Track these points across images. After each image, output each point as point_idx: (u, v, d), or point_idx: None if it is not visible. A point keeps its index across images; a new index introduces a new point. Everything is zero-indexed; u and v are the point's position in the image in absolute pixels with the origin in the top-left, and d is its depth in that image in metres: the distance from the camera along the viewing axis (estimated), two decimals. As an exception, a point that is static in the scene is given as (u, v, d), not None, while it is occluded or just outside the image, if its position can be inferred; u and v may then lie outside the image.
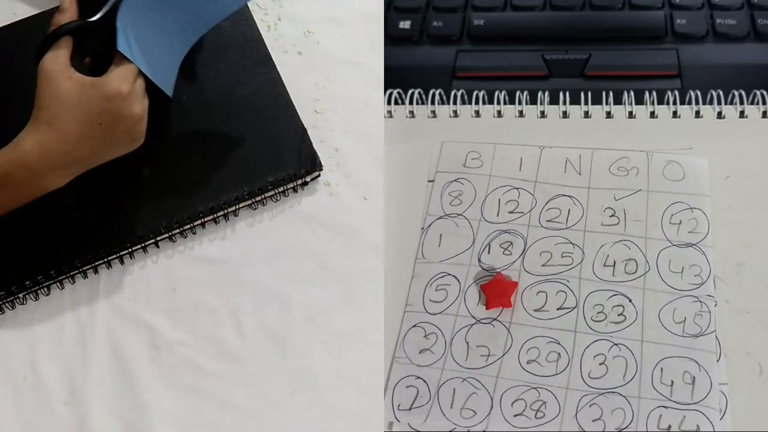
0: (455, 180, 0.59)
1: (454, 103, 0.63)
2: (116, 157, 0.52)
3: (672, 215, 0.54)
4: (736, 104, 0.58)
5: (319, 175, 0.61)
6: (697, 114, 0.59)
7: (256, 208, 0.60)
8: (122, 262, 0.58)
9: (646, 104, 0.60)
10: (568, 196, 0.57)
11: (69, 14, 0.51)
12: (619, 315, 0.51)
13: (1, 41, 0.63)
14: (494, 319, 0.52)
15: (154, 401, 0.54)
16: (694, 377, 0.47)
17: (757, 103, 0.59)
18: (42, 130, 0.48)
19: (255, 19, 0.64)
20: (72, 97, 0.48)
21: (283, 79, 0.62)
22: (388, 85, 0.64)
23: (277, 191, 0.59)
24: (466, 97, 0.63)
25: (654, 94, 0.59)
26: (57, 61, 0.49)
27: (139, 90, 0.51)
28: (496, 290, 0.53)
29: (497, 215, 0.57)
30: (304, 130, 0.61)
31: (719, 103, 0.59)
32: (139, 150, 0.60)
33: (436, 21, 0.71)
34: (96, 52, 0.52)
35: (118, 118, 0.50)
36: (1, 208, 0.51)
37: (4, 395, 0.54)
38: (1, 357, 0.55)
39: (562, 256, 0.54)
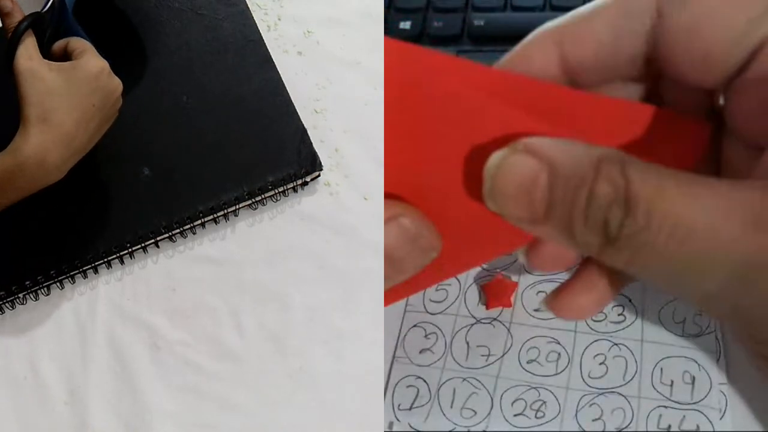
0: (455, 180, 0.59)
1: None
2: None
3: (672, 215, 0.54)
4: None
5: (319, 175, 0.61)
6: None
7: (256, 208, 0.60)
8: (122, 262, 0.58)
9: (646, 104, 0.60)
10: (568, 196, 0.57)
11: (17, 14, 0.50)
12: (619, 315, 0.51)
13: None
14: (494, 319, 0.52)
15: (154, 401, 0.54)
16: (694, 377, 0.47)
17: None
18: (38, 130, 0.47)
19: (255, 19, 0.64)
20: (60, 85, 0.48)
21: (283, 79, 0.62)
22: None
23: (277, 191, 0.59)
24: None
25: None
26: (31, 56, 0.48)
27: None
28: (496, 290, 0.53)
29: (497, 215, 0.57)
30: (304, 130, 0.61)
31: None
32: (139, 150, 0.60)
33: (436, 21, 0.71)
34: (47, 43, 0.52)
35: (107, 93, 0.50)
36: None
37: (4, 395, 0.54)
38: (1, 357, 0.55)
39: (562, 256, 0.54)
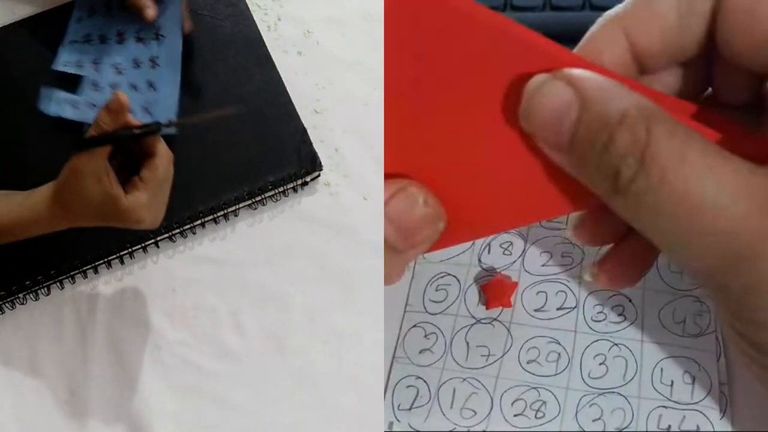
0: (455, 180, 0.59)
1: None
2: None
3: (672, 215, 0.54)
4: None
5: (319, 175, 0.61)
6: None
7: (256, 208, 0.60)
8: (122, 262, 0.58)
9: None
10: (568, 196, 0.57)
11: (117, 120, 0.47)
12: (619, 315, 0.51)
13: (0, 41, 0.63)
14: (494, 319, 0.52)
15: (154, 401, 0.54)
16: (694, 377, 0.47)
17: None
18: (57, 208, 0.48)
19: (255, 19, 0.64)
20: (95, 201, 0.47)
21: (283, 79, 0.62)
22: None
23: (277, 191, 0.59)
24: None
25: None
26: (91, 162, 0.46)
27: (162, 198, 0.49)
28: (496, 290, 0.53)
29: (497, 215, 0.57)
30: (304, 130, 0.61)
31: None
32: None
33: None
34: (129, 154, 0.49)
35: (128, 225, 0.49)
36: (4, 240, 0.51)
37: (4, 395, 0.54)
38: (1, 357, 0.55)
39: (562, 256, 0.54)
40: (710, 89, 0.33)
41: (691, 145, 0.25)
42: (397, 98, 0.29)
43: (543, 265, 0.54)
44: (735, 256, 0.25)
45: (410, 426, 0.49)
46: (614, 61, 0.31)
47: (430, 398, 0.50)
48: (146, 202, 0.48)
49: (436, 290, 0.54)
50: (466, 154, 0.30)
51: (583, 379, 0.49)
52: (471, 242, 0.56)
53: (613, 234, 0.33)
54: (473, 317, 0.53)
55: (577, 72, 0.27)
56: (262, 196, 0.59)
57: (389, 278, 0.32)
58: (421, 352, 0.52)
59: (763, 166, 0.25)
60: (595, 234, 0.33)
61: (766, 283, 0.25)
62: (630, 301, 0.51)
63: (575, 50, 0.31)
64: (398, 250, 0.31)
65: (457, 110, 0.29)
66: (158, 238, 0.58)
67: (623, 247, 0.33)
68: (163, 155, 0.49)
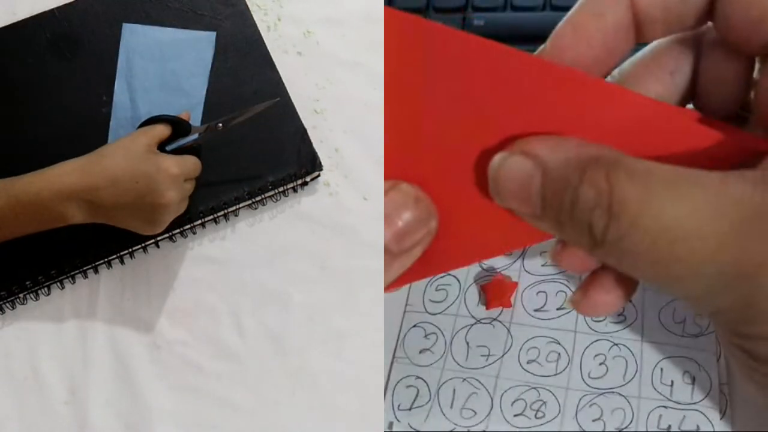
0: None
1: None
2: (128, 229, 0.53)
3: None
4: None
5: (319, 175, 0.61)
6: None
7: (256, 208, 0.60)
8: (122, 262, 0.58)
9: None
10: (568, 196, 0.57)
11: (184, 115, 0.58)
12: (619, 315, 0.51)
13: (1, 41, 0.63)
14: (494, 319, 0.52)
15: (154, 401, 0.54)
16: (694, 377, 0.47)
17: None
18: (89, 158, 0.51)
19: (255, 19, 0.64)
20: (133, 149, 0.51)
21: (283, 79, 0.62)
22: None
23: (277, 191, 0.59)
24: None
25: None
26: (149, 133, 0.53)
27: (185, 187, 0.53)
28: (496, 290, 0.53)
29: (497, 215, 0.57)
30: (304, 130, 0.61)
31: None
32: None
33: (437, 21, 0.71)
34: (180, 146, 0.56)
35: (152, 188, 0.50)
36: (18, 233, 0.51)
37: (4, 395, 0.54)
38: (1, 357, 0.55)
39: (562, 256, 0.54)
40: (691, 105, 0.33)
41: (655, 181, 0.25)
42: (398, 104, 0.29)
43: (543, 265, 0.54)
44: (721, 280, 0.25)
45: (410, 426, 0.49)
46: (614, 22, 0.31)
47: (430, 398, 0.50)
48: (179, 169, 0.52)
49: (436, 290, 0.55)
50: (468, 166, 0.30)
51: (583, 379, 0.49)
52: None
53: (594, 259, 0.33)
54: (473, 317, 0.53)
55: (529, 142, 0.28)
56: (262, 196, 0.59)
57: (386, 285, 0.32)
58: (421, 352, 0.52)
59: (734, 174, 0.25)
60: (575, 259, 0.33)
61: (759, 300, 0.25)
62: (630, 301, 0.51)
63: (574, 7, 0.32)
64: (392, 252, 0.31)
65: (457, 123, 0.29)
66: (158, 238, 0.58)
67: (606, 272, 0.33)
68: (196, 159, 0.55)
